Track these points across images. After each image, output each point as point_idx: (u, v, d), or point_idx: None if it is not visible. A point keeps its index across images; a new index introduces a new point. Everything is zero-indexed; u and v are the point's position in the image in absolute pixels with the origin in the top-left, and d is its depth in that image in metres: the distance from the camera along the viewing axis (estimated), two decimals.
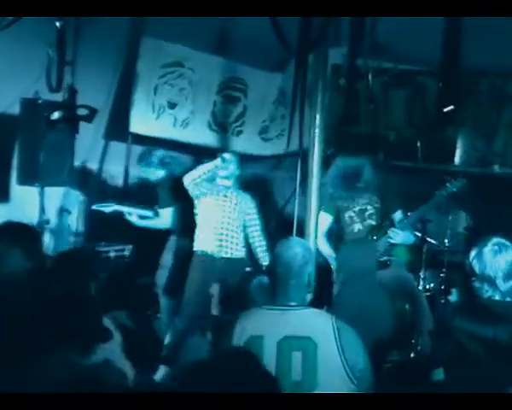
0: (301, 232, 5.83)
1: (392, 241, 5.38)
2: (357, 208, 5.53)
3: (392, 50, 6.80)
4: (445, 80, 4.85)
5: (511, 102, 7.16)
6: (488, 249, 3.36)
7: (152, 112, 7.13)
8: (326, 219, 5.55)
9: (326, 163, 5.88)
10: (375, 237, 5.43)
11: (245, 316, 3.14)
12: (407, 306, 5.81)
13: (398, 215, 5.53)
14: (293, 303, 3.09)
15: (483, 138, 7.29)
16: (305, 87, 4.95)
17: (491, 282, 3.32)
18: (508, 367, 2.54)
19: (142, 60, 6.86)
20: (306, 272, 3.18)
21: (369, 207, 5.53)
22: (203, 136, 7.43)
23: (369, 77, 6.42)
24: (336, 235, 5.62)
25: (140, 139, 7.09)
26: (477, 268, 3.36)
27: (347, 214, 5.54)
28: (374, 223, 5.50)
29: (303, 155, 5.91)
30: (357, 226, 5.53)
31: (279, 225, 7.17)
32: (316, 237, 5.54)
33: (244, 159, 7.46)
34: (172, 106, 7.23)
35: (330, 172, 5.61)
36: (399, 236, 5.37)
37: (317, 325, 3.01)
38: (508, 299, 3.34)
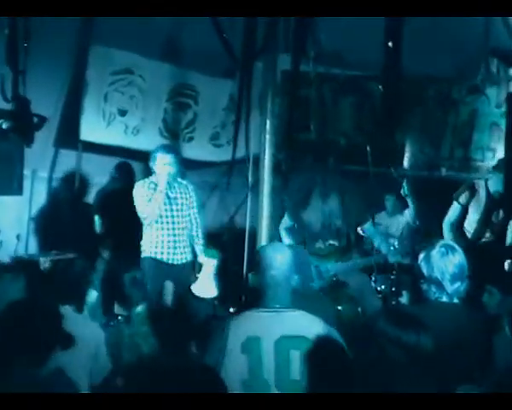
0: (253, 236, 5.88)
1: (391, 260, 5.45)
2: (319, 224, 5.56)
3: (339, 56, 6.91)
4: (387, 85, 4.95)
5: (456, 107, 7.33)
6: (436, 252, 3.41)
7: (102, 119, 7.08)
8: (287, 222, 5.57)
9: (277, 168, 5.94)
10: (338, 262, 5.47)
11: (237, 319, 3.18)
12: (359, 309, 5.86)
13: (368, 225, 5.57)
14: (282, 306, 3.15)
15: (430, 142, 7.44)
16: (250, 94, 4.99)
17: (439, 284, 3.38)
18: (430, 374, 2.59)
19: (92, 67, 6.81)
20: (294, 276, 3.28)
21: (332, 226, 5.56)
22: (154, 143, 7.37)
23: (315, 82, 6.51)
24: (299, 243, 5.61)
25: (90, 147, 7.04)
26: (425, 270, 3.42)
27: (311, 231, 5.55)
28: (336, 243, 5.52)
29: (254, 160, 5.96)
30: (319, 244, 5.54)
31: (231, 230, 7.18)
32: (270, 240, 5.61)
33: (195, 165, 7.51)
34: (123, 113, 7.18)
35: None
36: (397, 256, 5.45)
37: (310, 325, 3.08)
38: (455, 300, 3.41)
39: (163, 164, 5.58)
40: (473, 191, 6.09)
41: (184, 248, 5.76)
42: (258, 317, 3.12)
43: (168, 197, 5.67)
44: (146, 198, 5.61)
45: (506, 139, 6.24)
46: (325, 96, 7.43)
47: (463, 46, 7.00)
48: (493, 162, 7.05)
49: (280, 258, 3.21)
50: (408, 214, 7.14)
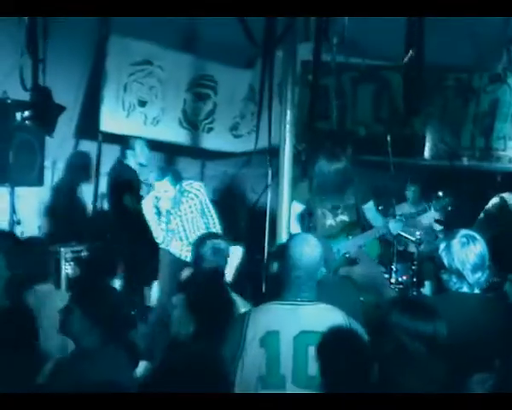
0: (274, 228, 5.86)
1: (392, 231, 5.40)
2: (329, 205, 5.53)
3: (359, 46, 6.87)
4: (408, 75, 4.91)
5: (477, 96, 7.26)
6: (456, 242, 3.38)
7: (122, 110, 7.11)
8: (298, 208, 5.55)
9: (297, 159, 5.92)
10: (350, 237, 5.44)
11: (256, 312, 3.14)
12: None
13: (370, 205, 5.54)
14: (304, 298, 3.11)
15: (451, 132, 7.38)
16: (272, 83, 4.97)
17: (459, 274, 3.35)
18: (449, 366, 2.57)
19: (111, 58, 6.84)
20: (320, 270, 3.22)
21: (341, 204, 5.53)
22: (174, 133, 7.42)
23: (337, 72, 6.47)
24: (308, 227, 5.62)
25: (111, 137, 7.07)
26: (445, 260, 3.39)
27: (320, 210, 5.53)
28: (346, 219, 5.50)
29: (274, 151, 5.95)
30: (329, 222, 5.53)
31: (251, 221, 7.18)
32: (288, 230, 5.58)
33: (215, 156, 7.52)
34: (142, 104, 7.21)
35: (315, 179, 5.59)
36: (398, 224, 5.39)
37: (332, 320, 3.02)
38: (476, 290, 3.39)
39: (163, 191, 5.57)
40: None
41: None
42: (278, 310, 3.09)
43: (174, 213, 5.71)
44: (152, 221, 5.69)
45: None
46: (345, 85, 7.40)
47: (484, 35, 6.92)
48: None
49: (307, 250, 3.16)
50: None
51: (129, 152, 6.85)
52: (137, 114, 7.21)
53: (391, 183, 6.56)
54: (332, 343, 2.82)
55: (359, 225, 5.52)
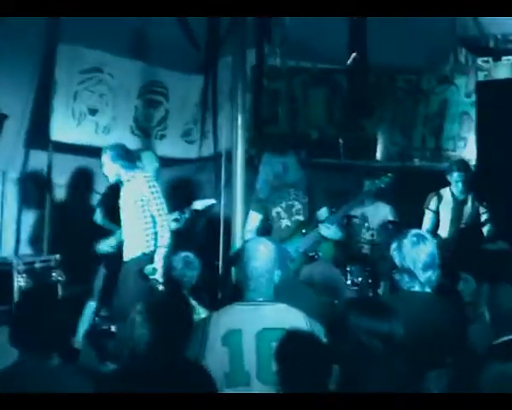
0: (228, 232, 5.86)
1: (323, 234, 5.42)
2: (283, 204, 5.52)
3: (310, 50, 6.92)
4: (353, 77, 4.97)
5: (426, 97, 7.38)
6: (407, 241, 3.43)
7: (72, 119, 7.00)
8: (255, 218, 5.53)
9: (250, 163, 5.93)
10: (304, 231, 5.45)
11: (217, 314, 3.17)
12: (336, 301, 5.85)
13: (323, 212, 5.57)
14: (263, 299, 3.15)
15: (402, 133, 7.48)
16: (217, 88, 4.97)
17: (411, 273, 3.40)
18: (405, 364, 2.60)
19: (60, 66, 6.73)
20: (276, 269, 3.25)
21: (296, 202, 5.51)
22: (126, 141, 7.28)
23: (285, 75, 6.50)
24: (266, 232, 5.61)
25: (61, 147, 6.97)
26: (397, 260, 3.44)
27: (274, 211, 5.50)
28: (302, 218, 5.52)
29: (227, 156, 5.94)
30: (285, 222, 5.52)
31: (206, 226, 7.16)
32: (243, 236, 5.57)
33: (168, 163, 7.47)
34: (93, 112, 7.12)
35: (259, 173, 5.60)
36: (330, 230, 5.41)
37: (292, 318, 3.07)
38: (427, 289, 3.43)
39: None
40: (439, 197, 6.40)
41: None
42: (240, 310, 3.13)
43: None
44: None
45: (476, 128, 6.31)
46: (296, 89, 7.44)
47: (431, 36, 7.04)
48: (465, 152, 7.16)
49: (263, 251, 3.22)
50: (383, 206, 7.16)
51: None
52: (88, 123, 7.11)
53: (344, 185, 6.61)
54: (291, 343, 2.83)
55: (313, 222, 5.53)
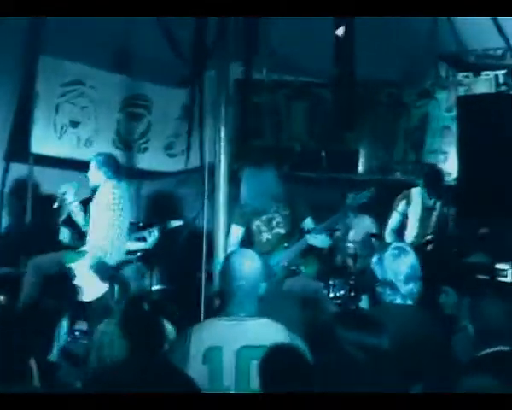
0: (211, 246, 5.83)
1: (311, 244, 5.41)
2: (264, 217, 5.51)
3: (291, 63, 6.95)
4: (338, 91, 5.01)
5: (407, 111, 7.43)
6: (388, 254, 3.44)
7: (54, 131, 6.98)
8: (237, 231, 5.52)
9: (233, 177, 5.92)
10: (286, 245, 5.44)
11: (198, 328, 3.13)
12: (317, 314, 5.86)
13: (308, 222, 5.56)
14: (246, 314, 3.11)
15: (383, 147, 7.53)
16: (203, 100, 4.98)
17: (392, 286, 3.40)
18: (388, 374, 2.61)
19: (41, 79, 6.72)
20: (262, 284, 3.22)
21: (276, 215, 5.51)
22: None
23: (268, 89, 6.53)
24: (248, 245, 5.58)
25: (42, 160, 6.93)
26: (378, 273, 3.44)
27: (255, 224, 5.50)
28: (282, 231, 5.51)
29: (210, 169, 5.94)
30: (266, 236, 5.51)
31: (188, 240, 7.13)
32: (225, 250, 5.55)
33: (150, 176, 7.46)
34: (75, 125, 7.10)
35: (241, 186, 5.60)
36: (318, 239, 5.40)
37: (273, 334, 3.03)
38: (409, 301, 3.44)
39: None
40: (409, 200, 6.51)
41: None
42: (220, 326, 3.09)
43: None
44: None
45: (458, 142, 6.35)
46: (278, 102, 7.47)
47: (412, 51, 7.11)
48: (446, 165, 7.21)
49: (248, 264, 3.18)
50: (365, 219, 7.18)
51: None
52: (70, 136, 7.09)
53: (326, 198, 6.61)
54: (273, 359, 2.82)
55: (295, 235, 5.52)
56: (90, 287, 5.54)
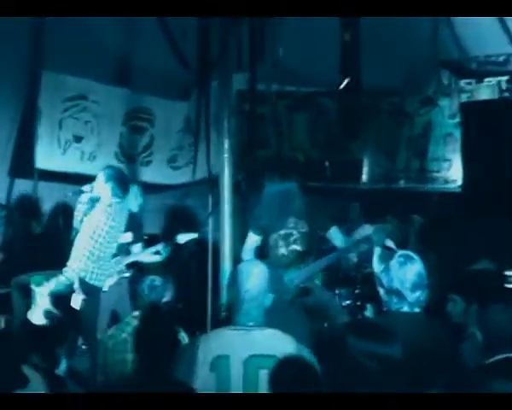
0: (216, 257, 5.83)
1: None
2: (282, 232, 5.43)
3: (294, 73, 6.95)
4: (344, 101, 5.01)
5: (410, 119, 7.43)
6: (394, 262, 3.43)
7: (58, 146, 7.00)
8: (253, 240, 5.45)
9: (237, 188, 5.92)
10: (300, 266, 5.39)
11: (207, 337, 3.14)
12: (325, 324, 5.79)
13: (334, 232, 5.52)
14: (254, 323, 3.11)
15: (387, 155, 7.52)
16: (209, 112, 4.98)
17: (399, 294, 3.39)
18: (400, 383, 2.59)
19: (44, 94, 6.73)
20: (269, 295, 3.21)
21: (294, 231, 5.44)
22: None
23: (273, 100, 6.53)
24: (263, 255, 5.53)
25: (47, 175, 6.94)
26: (385, 281, 3.43)
27: (273, 237, 5.40)
28: (299, 248, 5.44)
29: (214, 181, 5.93)
30: (282, 251, 5.41)
31: (194, 252, 7.13)
32: (232, 259, 5.54)
33: (154, 189, 7.46)
34: (78, 139, 7.11)
35: (262, 200, 5.54)
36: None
37: (281, 345, 3.03)
38: (415, 309, 3.42)
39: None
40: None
41: None
42: (228, 335, 3.09)
43: None
44: None
45: (461, 149, 6.35)
46: (281, 113, 7.48)
47: (414, 59, 7.11)
48: (449, 173, 7.20)
49: (256, 274, 3.17)
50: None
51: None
52: (74, 150, 7.11)
53: (331, 209, 6.61)
54: (282, 370, 2.81)
55: (311, 254, 5.47)
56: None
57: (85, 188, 5.61)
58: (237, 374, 2.97)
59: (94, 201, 5.59)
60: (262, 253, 5.45)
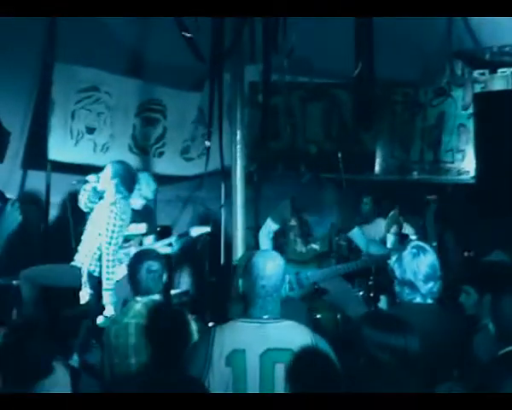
0: (229, 249, 5.84)
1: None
2: (301, 231, 5.39)
3: (307, 64, 6.93)
4: (358, 89, 4.98)
5: (424, 110, 7.39)
6: (407, 253, 3.42)
7: (70, 138, 7.02)
8: (271, 226, 5.43)
9: (249, 179, 5.92)
10: (319, 265, 5.33)
11: (221, 330, 3.10)
12: (338, 316, 5.75)
13: (356, 233, 5.43)
14: (269, 316, 3.09)
15: (400, 146, 7.49)
16: (222, 102, 4.98)
17: (412, 285, 3.38)
18: (415, 375, 2.59)
19: (57, 85, 6.76)
20: (284, 286, 3.21)
21: (314, 232, 5.37)
22: (124, 159, 7.32)
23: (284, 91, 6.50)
24: (278, 248, 5.49)
25: (60, 166, 6.96)
26: (397, 272, 3.43)
27: (292, 233, 5.38)
28: (317, 248, 5.41)
29: (226, 172, 5.93)
30: (300, 248, 5.40)
31: (207, 243, 7.14)
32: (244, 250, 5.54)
33: (167, 180, 7.48)
34: (91, 131, 7.13)
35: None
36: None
37: (297, 337, 3.01)
38: (428, 301, 3.41)
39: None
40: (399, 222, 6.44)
41: None
42: (244, 328, 3.07)
43: None
44: None
45: (475, 140, 6.30)
46: (294, 104, 7.46)
47: (427, 50, 7.08)
48: (463, 164, 7.16)
49: (273, 267, 3.14)
50: (380, 220, 7.15)
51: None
52: (86, 142, 7.12)
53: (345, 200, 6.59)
54: (299, 361, 2.81)
55: (331, 256, 5.45)
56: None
57: (90, 178, 5.52)
58: (253, 369, 2.95)
59: (98, 193, 5.51)
60: (279, 245, 5.43)
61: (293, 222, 5.38)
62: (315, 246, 5.38)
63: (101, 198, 5.49)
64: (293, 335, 3.04)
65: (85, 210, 5.60)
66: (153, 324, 3.61)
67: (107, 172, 5.42)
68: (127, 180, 5.44)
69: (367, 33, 4.96)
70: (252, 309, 3.11)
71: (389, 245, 6.42)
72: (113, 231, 5.30)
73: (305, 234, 5.35)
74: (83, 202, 5.57)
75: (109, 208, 5.33)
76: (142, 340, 3.71)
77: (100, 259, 5.34)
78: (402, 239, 6.38)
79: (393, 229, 6.45)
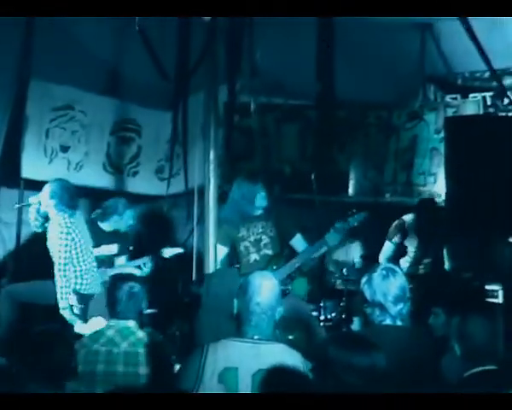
0: (201, 268, 5.82)
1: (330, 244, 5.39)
2: (252, 238, 5.50)
3: (280, 86, 6.99)
4: (322, 112, 5.03)
5: (397, 133, 7.47)
6: (377, 275, 3.45)
7: (44, 156, 6.99)
8: (221, 251, 5.50)
9: (223, 199, 5.94)
10: (274, 267, 5.43)
11: (214, 347, 3.11)
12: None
13: (297, 239, 5.55)
14: (262, 337, 3.12)
15: (374, 168, 7.55)
16: (186, 122, 4.98)
17: (381, 307, 3.41)
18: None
19: (32, 103, 6.74)
20: (278, 307, 3.22)
21: (263, 236, 5.51)
22: (98, 178, 7.32)
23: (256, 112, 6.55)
24: (232, 265, 5.56)
25: (33, 184, 6.91)
26: (367, 294, 3.45)
27: (243, 245, 5.49)
28: (270, 252, 5.51)
29: (199, 191, 5.94)
30: (254, 256, 5.49)
31: (179, 263, 7.13)
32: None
33: (141, 200, 7.46)
34: (65, 149, 7.10)
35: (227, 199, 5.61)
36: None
37: (289, 360, 3.03)
38: (398, 322, 3.44)
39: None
40: (404, 232, 6.46)
41: None
42: (237, 347, 3.09)
43: None
44: None
45: (445, 163, 6.37)
46: (268, 125, 7.50)
47: (401, 73, 7.16)
48: (435, 187, 7.23)
49: (267, 286, 3.19)
50: (354, 242, 7.21)
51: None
52: (60, 160, 7.09)
53: (316, 220, 6.62)
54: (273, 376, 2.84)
55: (283, 256, 5.51)
56: None
57: (32, 200, 5.56)
58: (245, 387, 2.98)
59: (41, 213, 5.53)
60: (232, 261, 5.50)
61: (242, 232, 5.44)
62: (267, 251, 5.46)
63: (47, 218, 5.48)
64: (285, 358, 3.06)
65: (38, 230, 5.60)
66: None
67: (45, 193, 5.44)
68: (64, 199, 5.42)
69: (328, 54, 5.01)
70: (245, 327, 3.14)
71: (383, 253, 6.47)
72: (61, 249, 5.29)
73: (255, 241, 5.42)
74: (32, 223, 5.59)
75: (58, 230, 5.33)
76: (112, 369, 3.69)
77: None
78: (399, 250, 6.46)
79: (396, 238, 6.48)
